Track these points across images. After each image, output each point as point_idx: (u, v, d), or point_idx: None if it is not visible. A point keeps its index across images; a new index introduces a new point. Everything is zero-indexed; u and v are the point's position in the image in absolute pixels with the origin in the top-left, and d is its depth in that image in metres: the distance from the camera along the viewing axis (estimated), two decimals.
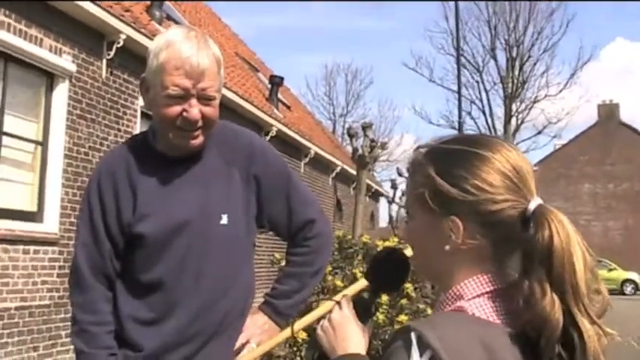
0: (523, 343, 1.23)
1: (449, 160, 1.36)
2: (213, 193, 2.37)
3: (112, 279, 2.37)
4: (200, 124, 2.29)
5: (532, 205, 1.30)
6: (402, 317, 6.52)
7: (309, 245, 2.52)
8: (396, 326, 6.44)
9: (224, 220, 2.35)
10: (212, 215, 2.35)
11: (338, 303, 1.67)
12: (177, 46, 2.25)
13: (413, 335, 1.20)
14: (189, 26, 2.39)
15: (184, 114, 2.26)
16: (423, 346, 1.18)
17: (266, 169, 2.47)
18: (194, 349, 2.32)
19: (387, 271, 1.70)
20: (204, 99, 2.28)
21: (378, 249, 7.64)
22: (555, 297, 1.23)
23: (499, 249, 1.33)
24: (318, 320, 1.73)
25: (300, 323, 2.10)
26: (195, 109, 2.26)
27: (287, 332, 2.20)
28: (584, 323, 1.23)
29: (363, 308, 1.69)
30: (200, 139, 2.33)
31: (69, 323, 7.71)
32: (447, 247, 1.34)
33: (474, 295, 1.30)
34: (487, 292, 1.31)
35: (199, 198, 2.35)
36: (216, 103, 2.34)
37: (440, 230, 1.35)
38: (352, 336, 1.60)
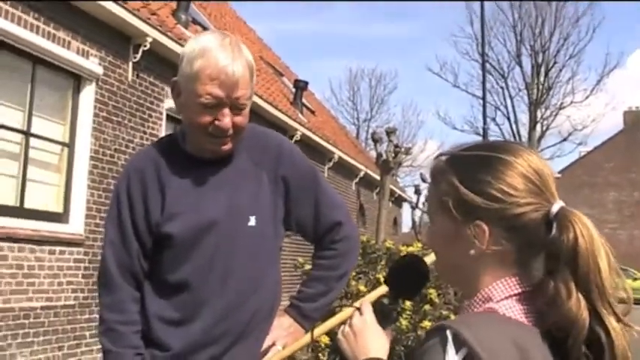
0: (551, 343, 1.25)
1: (472, 167, 1.38)
2: (242, 195, 2.38)
3: (140, 279, 2.38)
4: (230, 132, 2.30)
5: (555, 208, 1.32)
6: (426, 323, 6.51)
7: (336, 249, 2.52)
8: (420, 332, 6.43)
9: (252, 221, 2.36)
10: (240, 216, 2.36)
11: (358, 309, 1.68)
12: (213, 54, 2.25)
13: (448, 333, 1.21)
14: (223, 32, 2.38)
15: (216, 122, 2.27)
16: (459, 343, 1.19)
17: (294, 171, 2.47)
18: (221, 350, 2.33)
19: (407, 277, 1.71)
20: (237, 108, 2.29)
21: (402, 254, 7.64)
22: (581, 297, 1.24)
23: (523, 252, 1.34)
24: (339, 325, 1.74)
25: (321, 328, 2.11)
26: (227, 119, 2.27)
27: (307, 338, 2.21)
28: (610, 321, 1.24)
29: (384, 314, 1.69)
30: (229, 145, 2.34)
31: (93, 324, 7.77)
32: (472, 252, 1.35)
33: (503, 297, 1.32)
34: (515, 295, 1.32)
35: (228, 199, 2.36)
36: (247, 111, 2.35)
37: (464, 235, 1.36)
38: (373, 341, 1.61)
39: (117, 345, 2.32)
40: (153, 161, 2.41)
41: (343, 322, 1.71)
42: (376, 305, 1.70)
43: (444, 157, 1.46)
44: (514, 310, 1.29)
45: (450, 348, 1.19)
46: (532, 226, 1.31)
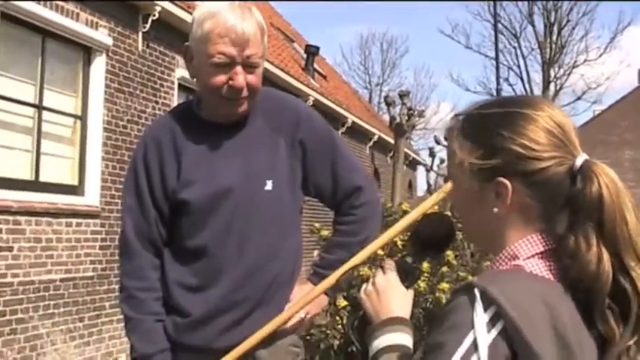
0: (576, 299, 1.24)
1: (491, 123, 1.35)
2: (258, 159, 2.36)
3: (159, 245, 2.39)
4: (245, 92, 2.29)
5: (579, 161, 1.29)
6: (444, 285, 6.49)
7: (356, 214, 2.49)
8: (438, 294, 6.43)
9: (269, 185, 2.35)
10: (257, 181, 2.35)
11: (382, 267, 1.66)
12: (222, 15, 2.25)
13: (477, 291, 1.19)
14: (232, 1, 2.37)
15: (230, 82, 2.26)
16: (487, 301, 1.18)
17: (312, 135, 2.45)
18: (241, 315, 2.33)
19: (432, 234, 1.68)
20: (249, 66, 2.28)
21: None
22: (603, 249, 1.23)
23: (548, 207, 1.31)
24: (360, 284, 1.72)
25: (331, 278, 2.13)
26: (240, 77, 2.26)
27: (318, 290, 2.22)
28: (638, 272, 1.23)
29: (407, 272, 1.67)
30: (245, 106, 2.33)
31: (113, 294, 7.84)
32: (496, 210, 1.33)
33: (529, 255, 1.30)
34: (540, 252, 1.30)
35: (244, 164, 2.35)
36: (260, 71, 2.34)
37: (487, 194, 1.34)
38: (396, 300, 1.60)
39: (137, 311, 2.34)
40: (169, 129, 2.41)
41: (365, 280, 1.70)
42: (399, 263, 1.68)
43: (460, 117, 1.43)
44: (540, 268, 1.28)
45: (479, 305, 1.18)
46: (556, 180, 1.29)
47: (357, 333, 1.68)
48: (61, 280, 7.78)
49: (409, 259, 1.71)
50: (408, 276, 1.67)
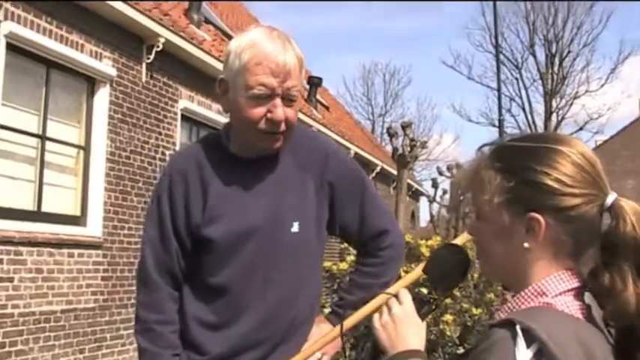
0: (609, 340, 1.23)
1: (523, 157, 1.33)
2: (286, 199, 2.31)
3: (179, 278, 2.34)
4: (283, 127, 2.23)
5: (609, 199, 1.29)
6: (447, 317, 6.47)
7: (382, 256, 2.46)
8: (441, 326, 6.39)
9: (295, 227, 2.30)
10: (283, 222, 2.30)
11: (396, 296, 1.63)
12: (262, 45, 2.20)
13: (519, 328, 1.18)
14: (270, 26, 2.32)
15: (269, 115, 2.20)
16: (530, 338, 1.16)
17: (341, 176, 2.41)
18: (261, 355, 2.29)
19: (447, 267, 1.66)
20: (288, 99, 2.22)
21: (421, 248, 7.59)
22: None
23: (578, 244, 1.30)
24: (370, 315, 1.69)
25: (353, 318, 2.07)
26: (280, 110, 2.20)
27: (336, 331, 2.17)
28: None
29: (422, 303, 1.64)
30: (281, 142, 2.28)
31: (114, 326, 7.79)
32: (527, 245, 1.31)
33: (558, 292, 1.28)
34: (571, 289, 1.29)
35: (271, 203, 2.30)
36: (298, 106, 2.29)
37: (518, 229, 1.32)
38: (413, 332, 1.57)
39: (154, 344, 2.29)
40: (196, 161, 2.35)
41: (375, 311, 1.67)
42: (414, 294, 1.65)
43: (487, 149, 1.41)
44: (570, 306, 1.26)
45: (521, 342, 1.17)
46: (587, 218, 1.28)
47: None
48: (62, 311, 7.73)
49: (425, 290, 1.68)
50: (423, 307, 1.64)
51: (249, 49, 2.20)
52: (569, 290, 1.28)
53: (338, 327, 2.15)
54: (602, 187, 1.30)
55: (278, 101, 2.20)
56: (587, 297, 1.27)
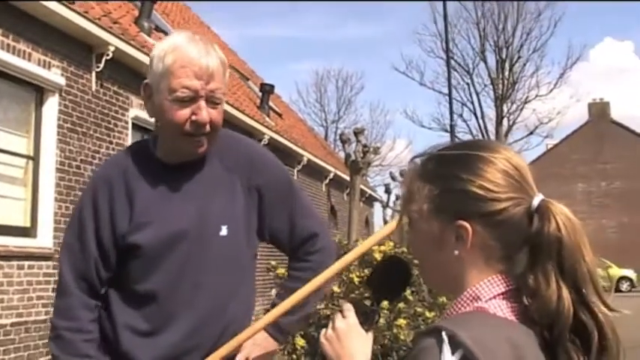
0: (540, 337, 1.25)
1: (449, 166, 1.37)
2: (213, 203, 2.30)
3: (97, 287, 2.31)
4: (207, 128, 2.23)
5: (536, 201, 1.32)
6: (401, 321, 6.51)
7: (311, 260, 2.44)
8: (395, 330, 6.43)
9: (224, 231, 2.29)
10: (211, 226, 2.29)
11: (341, 311, 1.65)
12: (184, 49, 2.20)
13: (444, 334, 1.19)
14: (192, 31, 2.33)
15: (193, 117, 2.20)
16: (455, 344, 1.18)
17: (268, 180, 2.40)
18: None
19: (389, 278, 1.68)
20: (212, 102, 2.23)
21: (374, 254, 7.63)
22: (563, 286, 1.25)
23: (508, 247, 1.33)
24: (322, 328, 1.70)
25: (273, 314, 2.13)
26: (204, 112, 2.20)
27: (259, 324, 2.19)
28: (599, 308, 1.26)
29: (366, 315, 1.67)
30: (205, 146, 2.27)
31: None
32: (457, 252, 1.34)
33: (491, 296, 1.31)
34: (502, 293, 1.31)
35: (199, 207, 2.29)
36: (222, 108, 2.29)
37: (447, 237, 1.34)
38: (357, 345, 1.58)
39: (64, 352, 2.25)
40: (121, 169, 2.33)
41: (325, 326, 1.69)
42: (357, 306, 1.67)
43: (418, 160, 1.44)
44: (503, 309, 1.29)
45: (447, 349, 1.18)
46: (514, 221, 1.31)
47: None
48: (12, 324, 7.60)
49: (368, 302, 1.70)
50: (367, 319, 1.66)
51: (171, 53, 2.20)
52: (501, 293, 1.30)
53: (263, 320, 2.17)
54: (528, 190, 1.33)
55: (202, 103, 2.20)
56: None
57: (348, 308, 1.65)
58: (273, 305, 2.43)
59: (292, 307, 2.30)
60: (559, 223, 1.27)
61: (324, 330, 1.64)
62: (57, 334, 2.28)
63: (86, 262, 2.29)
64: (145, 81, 2.31)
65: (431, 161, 1.41)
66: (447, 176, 1.36)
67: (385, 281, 1.69)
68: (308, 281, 2.41)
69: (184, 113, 2.20)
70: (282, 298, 2.43)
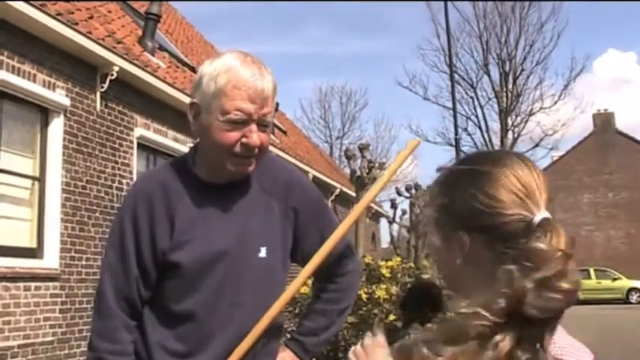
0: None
1: (459, 179, 1.41)
2: (253, 224, 2.28)
3: (138, 307, 2.27)
4: (256, 151, 2.22)
5: (537, 219, 1.32)
6: None
7: (340, 282, 2.44)
8: None
9: (263, 252, 2.27)
10: (251, 247, 2.27)
11: (371, 331, 1.67)
12: (238, 70, 2.18)
13: None
14: (241, 50, 2.29)
15: (244, 140, 2.18)
16: None
17: (304, 202, 2.40)
18: None
19: (422, 302, 1.72)
20: (262, 125, 2.21)
21: (381, 270, 7.61)
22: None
23: (505, 262, 1.31)
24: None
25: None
26: (255, 135, 2.18)
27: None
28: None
29: (396, 336, 1.67)
30: (253, 166, 2.26)
31: (73, 359, 7.59)
32: (458, 261, 1.37)
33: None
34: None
35: (239, 228, 2.26)
36: (269, 132, 2.28)
37: (452, 245, 1.38)
38: None
39: None
40: (161, 184, 2.30)
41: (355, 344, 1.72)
42: (388, 328, 1.67)
43: (438, 172, 1.50)
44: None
45: None
46: (513, 236, 1.31)
47: None
48: (19, 346, 7.58)
49: (399, 324, 1.71)
50: (397, 339, 1.66)
51: (225, 73, 2.17)
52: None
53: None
54: (532, 208, 1.33)
55: (254, 127, 2.18)
56: None
57: (378, 327, 1.68)
58: (300, 325, 2.45)
59: (317, 329, 2.39)
60: (553, 240, 1.27)
61: (353, 347, 1.67)
62: (98, 357, 2.23)
63: (128, 282, 2.25)
64: (193, 100, 2.27)
65: (449, 172, 1.47)
66: (455, 188, 1.40)
67: (417, 305, 1.72)
68: (336, 302, 2.42)
69: (235, 135, 2.18)
70: (308, 319, 2.43)
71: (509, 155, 1.44)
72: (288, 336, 2.47)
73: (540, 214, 1.33)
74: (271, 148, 15.10)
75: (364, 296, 6.86)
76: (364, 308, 7.58)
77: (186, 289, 2.24)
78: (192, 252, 2.23)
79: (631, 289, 33.74)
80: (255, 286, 2.27)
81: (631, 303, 32.04)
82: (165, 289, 2.27)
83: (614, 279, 34.28)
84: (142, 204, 2.27)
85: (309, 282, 2.63)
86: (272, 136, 16.66)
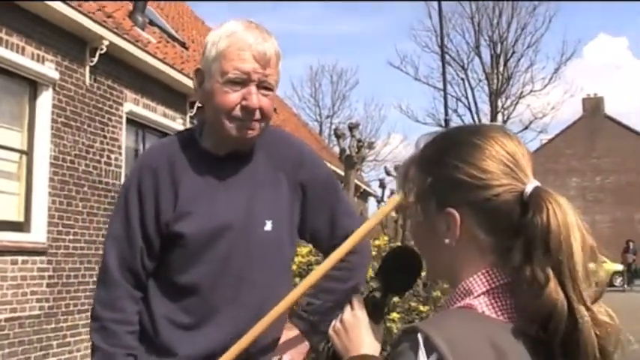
0: (529, 340, 1.20)
1: (440, 153, 1.34)
2: (259, 197, 2.27)
3: (142, 278, 2.26)
4: (258, 115, 2.19)
5: (529, 188, 1.26)
6: (394, 315, 6.52)
7: (350, 261, 2.36)
8: (389, 324, 6.43)
9: (268, 226, 2.25)
10: (256, 220, 2.25)
11: (350, 303, 1.64)
12: (241, 34, 2.17)
13: (420, 337, 1.16)
14: (247, 19, 2.28)
15: (244, 102, 2.16)
16: (430, 348, 1.15)
17: (314, 178, 2.37)
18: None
19: (399, 269, 1.66)
20: (264, 87, 2.19)
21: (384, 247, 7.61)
22: (557, 282, 1.19)
23: (500, 237, 1.28)
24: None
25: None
26: (254, 97, 2.16)
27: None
28: (579, 309, 1.19)
29: (375, 308, 1.65)
30: (256, 132, 2.23)
31: (60, 333, 7.67)
32: (447, 241, 1.30)
33: (482, 292, 1.26)
34: (495, 288, 1.26)
35: (244, 201, 2.25)
36: (273, 97, 2.25)
37: (438, 224, 1.31)
38: (365, 337, 1.57)
39: (108, 343, 2.21)
40: (167, 157, 2.28)
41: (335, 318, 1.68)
42: (366, 299, 1.66)
43: (422, 143, 1.41)
44: (494, 306, 1.24)
45: (422, 353, 1.15)
46: (505, 209, 1.26)
47: None
48: (6, 319, 7.58)
49: (377, 295, 1.69)
50: (376, 312, 1.65)
51: (227, 38, 2.17)
52: (492, 289, 1.26)
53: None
54: (522, 177, 1.28)
55: (253, 88, 2.17)
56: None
57: (357, 300, 1.64)
58: (307, 304, 2.40)
59: (324, 307, 2.33)
60: (550, 212, 1.21)
61: (332, 322, 1.64)
62: (101, 325, 2.23)
63: (132, 252, 2.24)
64: (197, 67, 2.27)
65: (427, 148, 1.39)
66: (437, 163, 1.33)
67: (394, 272, 1.67)
68: (344, 281, 2.39)
69: (235, 97, 2.17)
70: (316, 298, 2.39)
71: (492, 127, 1.38)
72: (295, 314, 2.45)
73: (531, 184, 1.27)
74: None
75: (374, 273, 6.89)
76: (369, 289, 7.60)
77: (190, 261, 2.23)
78: (196, 223, 2.21)
79: (615, 273, 33.95)
80: (260, 261, 2.26)
81: (615, 286, 32.25)
82: (170, 261, 2.25)
83: (602, 262, 34.41)
84: (148, 176, 2.26)
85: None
86: None
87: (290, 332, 2.38)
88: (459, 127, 1.50)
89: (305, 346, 2.38)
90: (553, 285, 1.18)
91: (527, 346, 1.20)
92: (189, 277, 2.23)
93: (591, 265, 1.24)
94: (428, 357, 1.14)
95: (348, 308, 1.63)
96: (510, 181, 1.27)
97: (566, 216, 1.23)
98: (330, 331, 1.63)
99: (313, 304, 2.41)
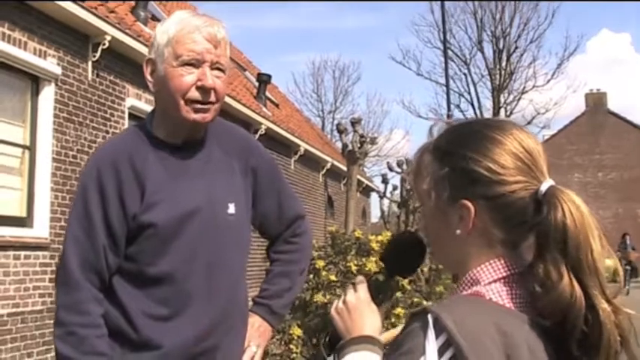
0: (540, 330, 1.21)
1: (459, 144, 1.34)
2: (219, 182, 2.31)
3: (105, 278, 2.22)
4: (213, 96, 2.22)
5: (544, 187, 1.28)
6: (399, 310, 6.53)
7: (298, 242, 2.49)
8: (393, 319, 6.44)
9: (231, 209, 2.30)
10: (220, 203, 2.29)
11: (353, 285, 1.64)
12: (189, 19, 2.23)
13: (430, 317, 1.18)
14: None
15: (199, 83, 2.19)
16: (439, 328, 1.16)
17: (262, 162, 2.45)
18: (214, 343, 2.24)
19: (403, 254, 1.66)
20: (217, 69, 2.23)
21: (371, 244, 7.62)
22: (573, 278, 1.20)
23: (512, 232, 1.30)
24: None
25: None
26: (209, 77, 2.19)
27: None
28: (601, 304, 1.21)
29: (378, 291, 1.66)
30: (210, 115, 2.25)
31: None
32: (458, 232, 1.31)
33: (490, 281, 1.28)
34: (503, 277, 1.28)
35: (206, 186, 2.28)
36: (225, 79, 2.29)
37: (451, 215, 1.32)
38: (367, 318, 1.57)
39: (77, 351, 2.13)
40: (125, 152, 2.27)
41: (321, 307, 1.69)
42: (370, 281, 1.66)
43: (436, 130, 1.42)
44: (501, 295, 1.26)
45: (431, 332, 1.17)
46: (519, 206, 1.28)
47: (328, 349, 1.66)
48: (9, 314, 7.58)
49: (381, 277, 1.69)
50: (379, 294, 1.65)
51: (176, 24, 2.22)
52: (502, 278, 1.28)
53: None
54: (538, 175, 1.29)
55: (207, 69, 2.20)
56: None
57: (360, 281, 1.64)
58: (263, 290, 2.48)
59: (281, 290, 2.45)
60: (565, 211, 1.23)
61: (335, 302, 1.64)
62: (68, 331, 2.15)
63: (95, 252, 2.20)
64: (147, 57, 2.29)
65: (443, 137, 1.39)
66: (454, 154, 1.33)
67: (399, 255, 1.67)
68: (297, 263, 2.46)
69: (190, 78, 2.20)
70: (270, 283, 2.47)
71: (510, 122, 1.38)
72: (253, 302, 2.48)
73: (547, 182, 1.28)
74: (264, 120, 15.00)
75: (354, 268, 6.89)
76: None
77: (161, 251, 2.22)
78: (165, 211, 2.22)
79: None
80: (228, 244, 2.29)
81: (615, 282, 32.25)
82: (139, 253, 2.23)
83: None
84: (107, 172, 2.24)
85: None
86: (264, 108, 16.64)
87: (252, 319, 2.42)
88: (476, 119, 1.51)
89: (268, 330, 2.43)
90: (567, 281, 1.20)
91: (537, 334, 1.21)
92: (161, 267, 2.22)
93: (608, 262, 1.27)
94: (437, 337, 1.16)
95: (351, 290, 1.63)
96: (527, 178, 1.29)
97: (582, 214, 1.25)
98: (332, 312, 1.63)
99: (269, 290, 2.45)
